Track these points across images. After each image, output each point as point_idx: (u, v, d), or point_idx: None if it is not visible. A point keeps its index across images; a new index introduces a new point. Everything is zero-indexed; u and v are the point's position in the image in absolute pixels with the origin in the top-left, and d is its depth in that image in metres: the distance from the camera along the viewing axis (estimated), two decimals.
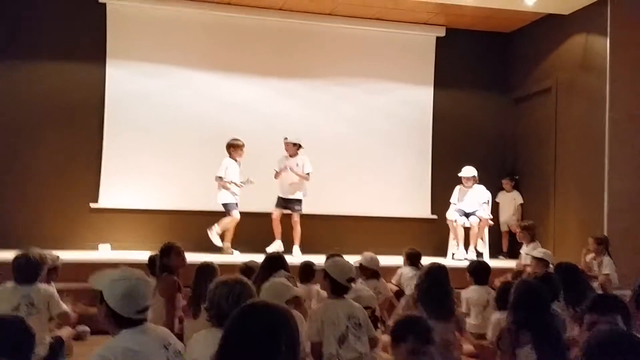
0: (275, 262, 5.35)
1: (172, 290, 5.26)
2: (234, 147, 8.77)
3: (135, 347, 2.81)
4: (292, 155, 8.94)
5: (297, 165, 8.90)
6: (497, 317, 5.25)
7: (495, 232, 10.04)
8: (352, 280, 4.58)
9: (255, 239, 8.91)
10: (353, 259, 6.95)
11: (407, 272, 7.08)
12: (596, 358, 2.16)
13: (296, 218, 8.90)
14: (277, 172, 8.87)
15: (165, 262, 5.49)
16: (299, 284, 5.75)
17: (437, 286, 5.28)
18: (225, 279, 3.44)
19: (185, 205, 9.40)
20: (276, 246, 8.67)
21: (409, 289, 6.57)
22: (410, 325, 3.32)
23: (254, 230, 8.95)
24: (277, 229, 8.93)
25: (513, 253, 9.52)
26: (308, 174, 8.90)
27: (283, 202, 8.94)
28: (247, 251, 8.53)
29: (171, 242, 5.69)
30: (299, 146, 8.96)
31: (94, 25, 9.40)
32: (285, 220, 9.01)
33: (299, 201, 8.93)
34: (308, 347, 4.43)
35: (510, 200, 10.32)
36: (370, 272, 6.52)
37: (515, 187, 10.41)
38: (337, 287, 4.56)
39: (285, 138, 8.95)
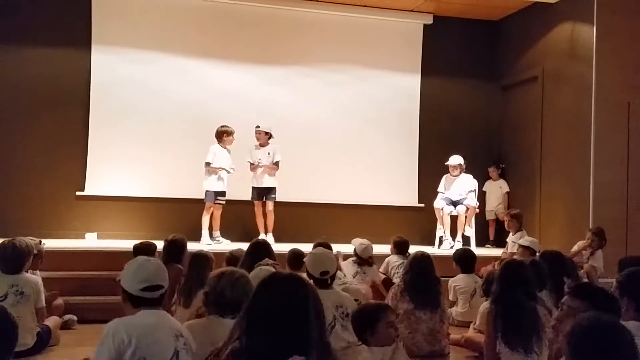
0: (261, 249, 5.32)
1: (177, 279, 5.23)
2: (226, 135, 8.71)
3: (149, 323, 2.91)
4: (263, 144, 8.84)
5: (268, 154, 8.79)
6: (486, 305, 5.28)
7: (481, 220, 10.08)
8: (326, 273, 4.42)
9: (240, 227, 8.90)
10: (341, 247, 7.04)
11: (395, 260, 7.13)
12: (580, 344, 2.18)
13: (270, 207, 8.82)
14: (251, 164, 8.77)
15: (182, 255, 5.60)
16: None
17: (422, 277, 5.32)
18: (229, 270, 3.46)
19: (172, 193, 9.36)
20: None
21: (397, 278, 6.67)
22: None
23: (239, 218, 8.93)
24: (261, 223, 8.85)
25: (500, 242, 9.57)
26: (277, 163, 8.80)
27: (260, 192, 8.84)
28: (232, 239, 8.57)
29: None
30: (270, 135, 8.91)
31: (78, 10, 9.30)
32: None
33: (274, 189, 8.85)
34: None
35: (497, 189, 10.34)
36: (361, 260, 6.62)
37: (502, 175, 10.44)
38: (315, 281, 4.53)
39: (258, 126, 8.85)
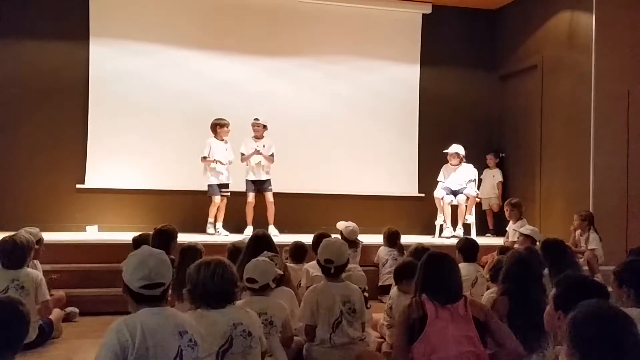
0: (261, 242, 5.28)
1: None
2: (219, 127, 8.72)
3: (152, 325, 2.79)
4: (260, 137, 8.88)
5: (264, 146, 8.83)
6: (490, 292, 5.28)
7: (479, 209, 10.05)
8: (329, 262, 4.46)
9: (238, 219, 8.90)
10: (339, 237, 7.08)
11: (383, 252, 7.47)
12: (582, 331, 2.17)
13: (271, 198, 8.85)
14: (242, 154, 8.80)
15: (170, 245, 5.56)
16: (290, 264, 5.78)
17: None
18: (206, 260, 3.44)
19: (171, 185, 9.37)
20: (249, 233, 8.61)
21: (384, 268, 7.21)
22: None
23: (237, 210, 8.93)
24: (251, 214, 8.85)
25: (499, 230, 9.57)
26: (272, 155, 8.83)
27: (255, 185, 8.87)
28: (230, 231, 8.65)
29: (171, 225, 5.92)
30: (266, 128, 8.91)
31: (76, 3, 9.28)
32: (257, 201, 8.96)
33: (270, 181, 8.89)
34: (297, 325, 4.44)
35: (490, 177, 10.34)
36: (348, 242, 6.71)
37: (500, 164, 10.43)
38: (322, 268, 4.56)
39: (257, 119, 8.85)
